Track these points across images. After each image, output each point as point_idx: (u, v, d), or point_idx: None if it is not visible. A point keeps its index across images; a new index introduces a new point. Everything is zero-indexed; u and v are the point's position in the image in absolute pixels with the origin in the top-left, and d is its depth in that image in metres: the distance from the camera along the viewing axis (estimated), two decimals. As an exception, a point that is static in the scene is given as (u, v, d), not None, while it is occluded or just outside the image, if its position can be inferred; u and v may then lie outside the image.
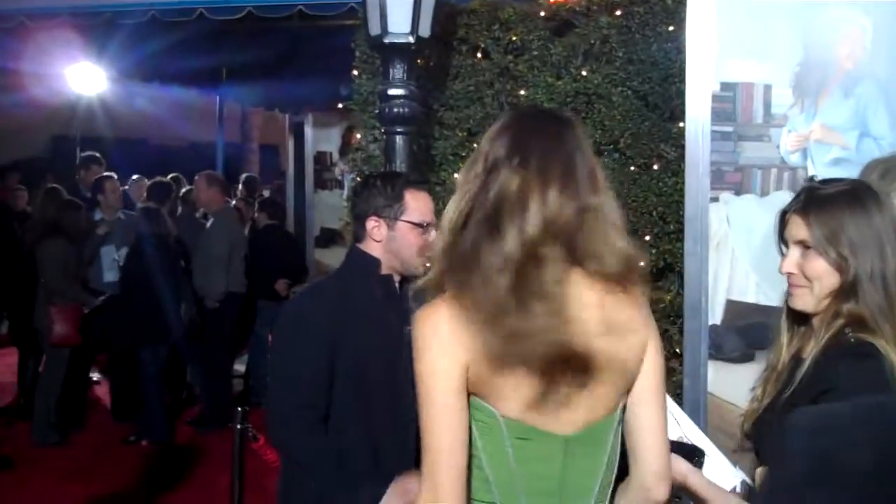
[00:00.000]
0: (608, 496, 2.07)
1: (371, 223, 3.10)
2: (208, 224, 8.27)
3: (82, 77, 12.16)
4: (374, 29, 4.10)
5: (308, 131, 10.26)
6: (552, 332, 1.84)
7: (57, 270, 7.35)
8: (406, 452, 2.94)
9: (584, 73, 4.61)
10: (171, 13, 6.25)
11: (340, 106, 5.22)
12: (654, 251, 4.46)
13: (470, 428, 1.95)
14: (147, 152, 10.31)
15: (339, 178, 10.13)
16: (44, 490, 6.37)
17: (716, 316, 3.99)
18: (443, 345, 1.91)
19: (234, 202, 9.70)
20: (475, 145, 4.72)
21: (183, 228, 8.17)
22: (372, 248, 3.12)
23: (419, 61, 4.35)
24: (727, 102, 3.96)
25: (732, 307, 3.98)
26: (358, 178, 4.98)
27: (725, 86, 3.96)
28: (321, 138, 10.23)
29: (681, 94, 4.33)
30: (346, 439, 2.99)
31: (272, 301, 8.52)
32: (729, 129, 3.96)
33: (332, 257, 10.07)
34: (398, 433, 3.00)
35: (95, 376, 8.78)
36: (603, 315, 1.92)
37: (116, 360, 8.17)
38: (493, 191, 1.93)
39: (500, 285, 1.85)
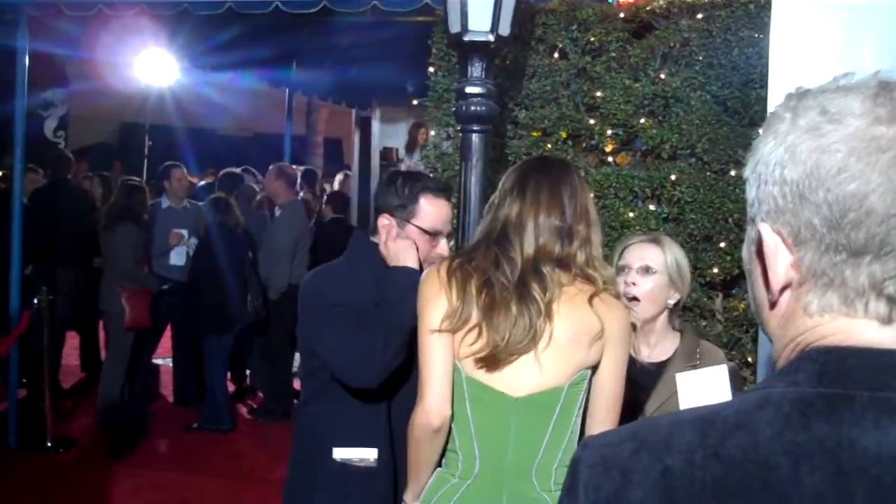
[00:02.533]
0: (558, 461, 2.49)
1: (383, 221, 3.12)
2: (276, 215, 8.33)
3: (154, 66, 12.31)
4: (454, 27, 4.09)
5: (375, 126, 10.30)
6: (525, 320, 2.44)
7: (129, 255, 7.45)
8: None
9: (662, 75, 4.57)
10: (248, 5, 6.27)
11: (415, 102, 5.21)
12: (728, 258, 4.40)
13: None
14: (215, 142, 10.37)
15: (405, 173, 10.16)
16: (106, 472, 6.46)
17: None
18: (431, 297, 2.55)
19: (301, 194, 9.76)
20: (549, 146, 4.72)
21: (248, 220, 8.25)
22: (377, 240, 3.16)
23: (496, 60, 4.34)
24: (810, 110, 3.89)
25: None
26: (430, 175, 4.99)
27: (808, 93, 3.89)
28: (388, 133, 10.27)
29: (760, 101, 4.27)
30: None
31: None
32: (811, 136, 3.89)
33: (396, 252, 10.07)
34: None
35: (158, 361, 8.88)
36: (570, 309, 2.49)
37: (180, 346, 8.27)
38: (501, 215, 2.58)
39: (509, 279, 2.48)
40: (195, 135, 12.83)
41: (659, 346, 3.16)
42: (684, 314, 4.53)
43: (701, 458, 0.94)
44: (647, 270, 3.12)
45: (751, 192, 1.05)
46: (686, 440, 0.96)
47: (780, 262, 1.00)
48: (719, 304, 4.57)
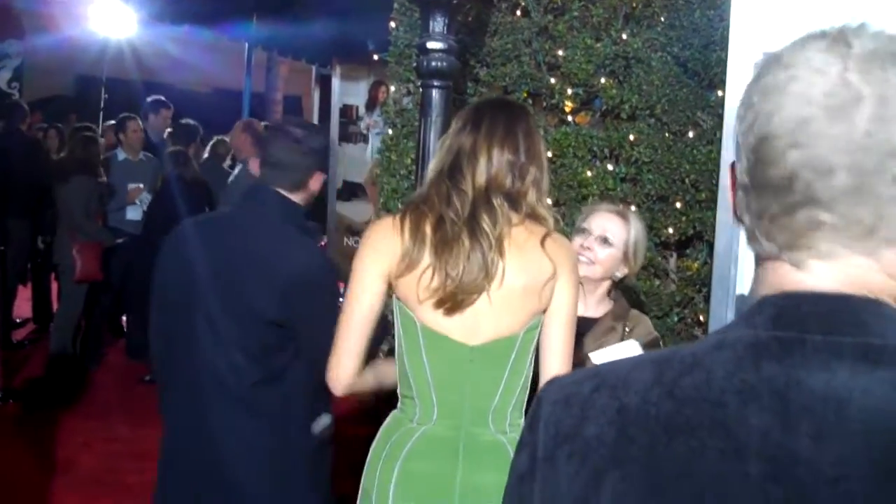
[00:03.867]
0: (512, 405, 2.55)
1: (318, 179, 3.23)
2: (236, 171, 8.28)
3: (112, 18, 12.13)
4: (417, -20, 4.07)
5: (335, 83, 10.19)
6: (478, 254, 2.43)
7: (81, 207, 7.38)
8: None
9: (624, 36, 4.57)
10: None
11: (376, 58, 5.18)
12: (683, 218, 4.44)
13: (399, 331, 2.57)
14: (173, 97, 10.23)
15: (365, 132, 10.09)
16: (56, 425, 6.42)
17: (744, 286, 3.97)
18: (377, 245, 2.54)
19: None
20: (510, 103, 4.71)
21: (208, 174, 8.19)
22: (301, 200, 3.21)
23: (458, 16, 4.31)
24: (769, 72, 3.91)
25: (761, 279, 3.96)
26: (389, 132, 4.97)
27: (768, 55, 3.91)
28: (348, 91, 10.16)
29: (721, 62, 4.28)
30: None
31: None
32: (769, 99, 3.92)
33: (353, 211, 10.07)
34: None
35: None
36: (522, 254, 2.48)
37: (133, 300, 8.22)
38: (455, 147, 2.55)
39: (460, 214, 2.46)
40: (153, 89, 12.62)
41: (594, 307, 3.27)
42: (639, 273, 4.58)
43: (656, 395, 0.97)
44: (604, 241, 3.20)
45: None
46: (643, 379, 1.00)
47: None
48: (673, 264, 4.62)
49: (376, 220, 2.71)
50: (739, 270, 3.96)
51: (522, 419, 2.57)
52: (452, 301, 2.47)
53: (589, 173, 4.52)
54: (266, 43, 11.80)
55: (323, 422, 3.09)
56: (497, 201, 2.48)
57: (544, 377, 2.57)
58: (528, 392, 2.59)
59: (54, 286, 8.66)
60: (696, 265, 4.49)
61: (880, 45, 0.96)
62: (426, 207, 2.52)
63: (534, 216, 2.53)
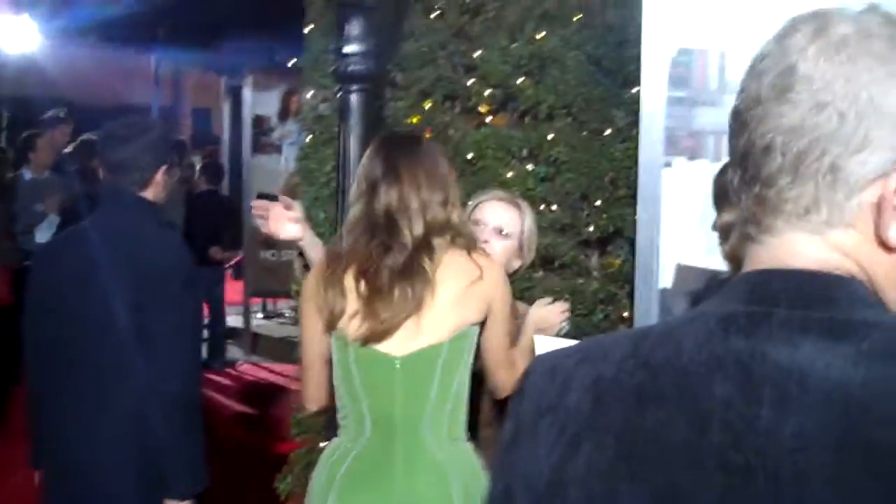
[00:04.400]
0: (447, 410, 2.62)
1: (162, 175, 3.29)
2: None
3: (10, 32, 11.82)
4: (331, -16, 4.04)
5: (247, 94, 10.12)
6: (411, 298, 2.57)
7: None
8: None
9: (538, 36, 4.59)
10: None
11: (290, 64, 5.14)
12: (604, 216, 4.48)
13: (334, 356, 2.67)
14: (78, 113, 10.04)
15: (278, 142, 10.02)
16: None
17: (667, 281, 4.02)
18: (307, 298, 2.71)
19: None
20: (426, 106, 4.71)
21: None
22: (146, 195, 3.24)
23: (375, 19, 4.29)
24: (683, 68, 3.98)
25: (682, 272, 4.02)
26: (307, 139, 4.92)
27: (682, 52, 3.97)
28: (260, 102, 10.10)
29: (634, 60, 4.33)
30: None
31: (207, 267, 8.41)
32: (683, 94, 3.98)
33: (269, 223, 9.94)
34: None
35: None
36: (448, 270, 2.61)
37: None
38: (380, 204, 2.63)
39: (399, 264, 2.58)
40: (57, 105, 12.36)
41: None
42: (561, 272, 4.61)
43: (631, 366, 0.99)
44: (500, 232, 3.14)
45: None
46: (621, 351, 1.02)
47: None
48: (595, 262, 4.65)
49: (310, 273, 2.84)
50: (661, 265, 4.01)
51: (463, 432, 2.67)
52: (379, 336, 2.59)
53: (509, 174, 4.53)
54: (173, 56, 11.65)
55: None
56: (437, 241, 2.62)
57: (488, 379, 2.80)
58: (466, 404, 2.68)
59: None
60: (618, 262, 4.53)
61: (858, 29, 0.98)
62: (348, 260, 2.65)
63: (460, 235, 2.70)
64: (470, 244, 2.69)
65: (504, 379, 2.75)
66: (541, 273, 4.61)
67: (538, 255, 4.47)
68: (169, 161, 3.32)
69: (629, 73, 4.44)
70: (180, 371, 3.09)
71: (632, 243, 4.43)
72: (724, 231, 2.43)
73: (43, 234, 7.79)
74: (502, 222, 3.14)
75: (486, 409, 2.98)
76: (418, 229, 2.60)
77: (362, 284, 2.60)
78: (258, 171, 10.11)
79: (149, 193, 3.21)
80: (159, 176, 3.22)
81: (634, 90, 4.38)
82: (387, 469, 2.57)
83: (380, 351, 2.59)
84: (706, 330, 0.97)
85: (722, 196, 2.45)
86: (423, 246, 2.59)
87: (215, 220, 8.76)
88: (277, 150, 10.04)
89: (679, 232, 4.00)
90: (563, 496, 0.99)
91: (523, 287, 4.00)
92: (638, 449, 0.96)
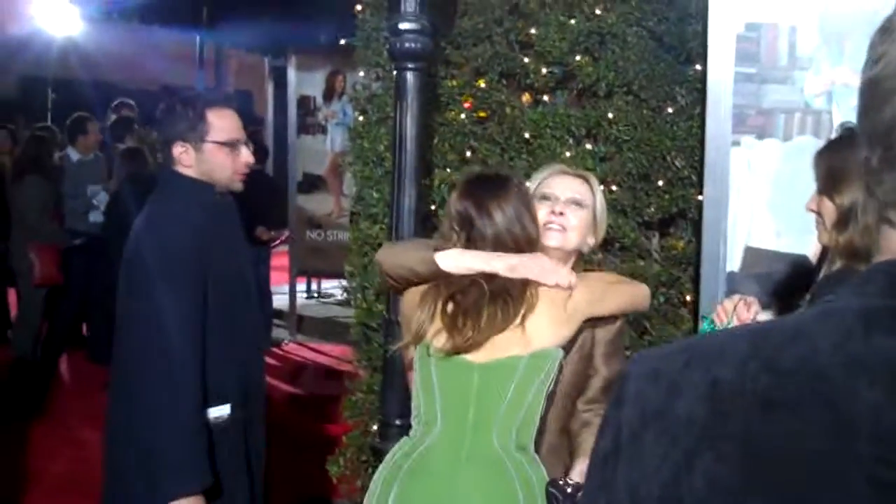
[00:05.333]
0: (518, 421, 2.59)
1: (178, 149, 3.05)
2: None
3: (55, 16, 11.85)
4: (386, -40, 3.95)
5: (291, 74, 10.04)
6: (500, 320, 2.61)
7: (35, 208, 7.18)
8: (258, 372, 3.28)
9: (597, 11, 4.46)
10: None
11: (342, 42, 5.04)
12: (666, 197, 4.35)
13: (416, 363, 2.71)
14: (121, 95, 10.05)
15: (323, 123, 9.95)
16: (23, 434, 6.24)
17: (733, 263, 3.91)
18: (404, 313, 2.87)
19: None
20: (482, 84, 4.60)
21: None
22: (187, 172, 3.08)
23: (428, -4, 4.20)
24: (751, 43, 3.85)
25: (751, 254, 3.90)
26: (360, 118, 4.84)
27: (750, 26, 3.85)
28: (304, 82, 10.02)
29: (697, 36, 4.21)
30: (217, 371, 3.00)
31: (253, 246, 8.39)
32: (752, 70, 3.86)
33: (314, 203, 9.96)
34: (254, 357, 3.26)
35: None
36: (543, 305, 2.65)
37: (95, 303, 8.02)
38: (489, 234, 2.70)
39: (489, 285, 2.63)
40: (101, 88, 12.39)
41: None
42: (621, 254, 4.49)
43: (753, 369, 0.88)
44: (576, 203, 2.86)
45: None
46: (739, 352, 0.90)
47: None
48: (656, 244, 4.53)
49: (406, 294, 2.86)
50: (729, 248, 3.90)
51: (530, 445, 2.66)
52: (467, 350, 2.63)
53: (568, 154, 4.41)
54: (217, 37, 11.62)
55: (210, 413, 3.01)
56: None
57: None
58: (536, 422, 2.66)
59: (12, 292, 8.43)
60: (680, 244, 4.40)
61: None
62: (445, 284, 2.69)
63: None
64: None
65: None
66: (600, 255, 4.49)
67: (598, 237, 4.39)
68: (182, 132, 3.06)
69: (691, 49, 4.32)
70: (142, 368, 2.91)
71: (694, 224, 4.31)
72: (841, 216, 2.28)
73: (98, 215, 7.80)
74: (576, 193, 2.89)
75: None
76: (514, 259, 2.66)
77: (450, 305, 2.64)
78: (303, 151, 10.05)
79: (186, 171, 3.08)
80: (175, 151, 3.06)
81: (697, 66, 4.26)
82: (453, 461, 2.56)
83: (461, 357, 2.62)
84: (842, 327, 0.86)
85: (835, 176, 2.29)
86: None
87: (261, 200, 8.69)
88: (322, 130, 9.96)
89: (746, 213, 3.88)
90: None
91: (583, 270, 3.89)
92: (767, 462, 0.85)
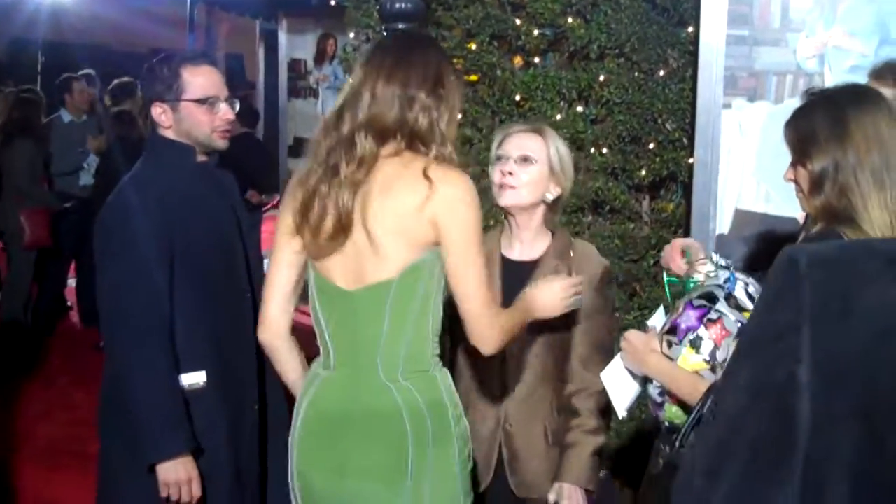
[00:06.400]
0: (403, 354, 2.39)
1: (157, 110, 3.00)
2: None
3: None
4: (377, -82, 3.91)
5: (282, 38, 9.99)
6: (339, 200, 2.30)
7: (25, 171, 7.15)
8: (245, 340, 3.01)
9: (590, -28, 4.44)
10: None
11: (332, 3, 5.01)
12: (657, 159, 4.35)
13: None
14: (112, 58, 9.99)
15: (314, 86, 9.91)
16: (14, 395, 6.24)
17: (723, 226, 3.91)
18: (286, 201, 2.47)
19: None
20: (472, 47, 4.58)
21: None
22: (167, 134, 3.03)
23: (420, -45, 4.16)
24: (743, 5, 3.83)
25: (740, 217, 3.90)
26: (350, 80, 4.81)
27: (742, -12, 3.83)
28: (295, 45, 9.97)
29: (690, -2, 4.20)
30: (190, 338, 2.96)
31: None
32: (744, 33, 3.84)
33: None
34: (239, 325, 3.07)
35: (72, 282, 8.60)
36: (388, 192, 2.30)
37: (85, 265, 8.00)
38: (346, 88, 2.41)
39: (326, 156, 2.33)
40: (91, 50, 12.29)
41: (531, 245, 2.97)
42: (611, 216, 4.50)
43: None
44: (525, 160, 2.88)
45: None
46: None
47: None
48: (647, 206, 4.54)
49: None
50: (719, 210, 3.90)
51: (425, 368, 2.44)
52: (317, 251, 2.40)
53: (559, 116, 4.40)
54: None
55: (185, 380, 2.97)
56: (360, 138, 2.30)
57: (464, 322, 2.40)
58: (428, 340, 2.44)
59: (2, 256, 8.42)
60: (670, 206, 4.41)
61: None
62: (312, 160, 2.42)
63: (424, 143, 2.35)
64: (430, 152, 2.34)
65: (481, 334, 2.40)
66: (590, 217, 4.50)
67: (588, 199, 4.39)
68: (159, 93, 2.99)
69: (684, 12, 4.30)
70: (111, 333, 2.95)
71: (685, 187, 4.31)
72: (814, 180, 2.25)
73: (87, 177, 7.77)
74: (525, 150, 2.89)
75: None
76: (360, 119, 2.30)
77: (304, 187, 2.39)
78: (294, 115, 10.02)
79: (167, 133, 3.03)
80: (154, 112, 3.01)
81: (690, 29, 4.24)
82: (348, 401, 2.44)
83: (335, 285, 2.41)
84: None
85: (805, 143, 2.26)
86: (347, 144, 2.31)
87: (252, 163, 8.64)
88: (314, 93, 9.92)
89: (737, 176, 3.88)
90: None
91: (573, 232, 3.89)
92: None
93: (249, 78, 14.44)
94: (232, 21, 14.69)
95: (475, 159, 4.13)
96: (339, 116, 2.36)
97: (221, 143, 3.08)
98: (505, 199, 2.88)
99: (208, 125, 3.01)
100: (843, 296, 0.99)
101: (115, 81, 8.61)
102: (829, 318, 0.99)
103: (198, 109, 2.99)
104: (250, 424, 3.15)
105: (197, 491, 2.89)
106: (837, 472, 0.95)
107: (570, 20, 4.44)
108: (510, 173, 2.87)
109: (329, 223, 2.34)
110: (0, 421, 5.82)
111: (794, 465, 0.98)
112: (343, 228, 2.33)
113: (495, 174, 2.90)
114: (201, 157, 3.09)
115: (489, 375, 2.91)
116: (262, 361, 2.99)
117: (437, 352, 2.48)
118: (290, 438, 2.52)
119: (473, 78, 4.57)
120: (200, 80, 3.01)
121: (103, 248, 2.95)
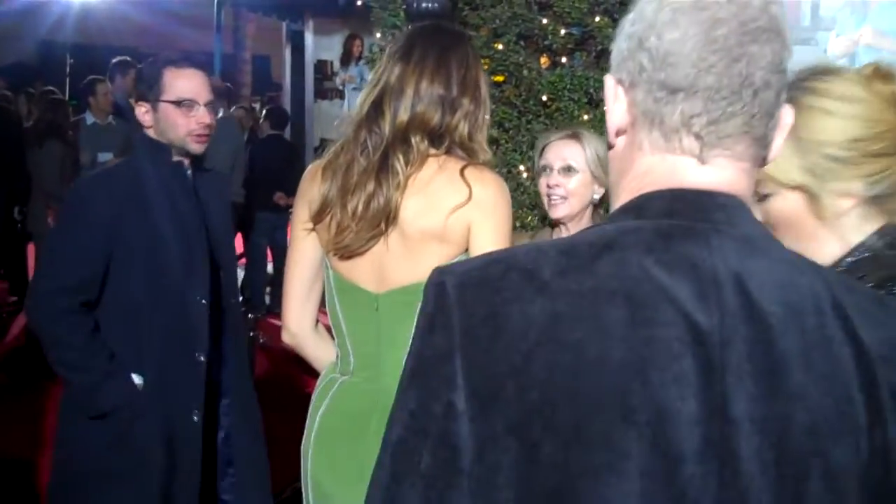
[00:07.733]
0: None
1: (140, 109, 3.07)
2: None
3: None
4: (402, -81, 3.91)
5: (308, 39, 10.01)
6: (393, 198, 2.23)
7: (54, 172, 7.19)
8: (188, 345, 3.08)
9: (617, -28, 4.42)
10: None
11: (360, 2, 5.01)
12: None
13: (326, 282, 2.43)
14: (139, 61, 10.02)
15: (341, 87, 9.93)
16: (42, 394, 6.28)
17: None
18: (303, 191, 2.37)
19: (232, 110, 9.51)
20: (499, 46, 4.57)
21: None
22: (149, 133, 3.09)
23: (447, -45, 4.16)
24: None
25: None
26: (382, 72, 4.81)
27: (772, -14, 3.79)
28: (322, 47, 9.99)
29: (718, -3, 4.16)
30: (133, 328, 3.03)
31: (271, 212, 8.40)
32: (774, 31, 3.81)
33: (332, 169, 9.93)
34: (185, 328, 3.09)
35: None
36: (426, 193, 2.25)
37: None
38: (382, 80, 2.28)
39: (371, 158, 2.25)
40: (118, 53, 12.36)
41: None
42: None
43: (573, 274, 1.04)
44: (568, 170, 3.05)
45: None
46: (554, 262, 1.06)
47: (617, 105, 1.15)
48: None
49: (308, 168, 2.48)
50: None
51: None
52: (342, 249, 2.32)
53: (586, 117, 4.39)
54: (234, 1, 11.58)
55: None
56: (416, 139, 2.25)
57: None
58: None
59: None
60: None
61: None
62: (345, 150, 2.33)
63: (464, 149, 2.31)
64: (476, 158, 2.31)
65: None
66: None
67: (614, 201, 4.37)
68: (143, 93, 3.07)
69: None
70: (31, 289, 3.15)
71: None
72: None
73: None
74: (566, 160, 3.05)
75: None
76: (403, 117, 2.24)
77: (344, 179, 2.30)
78: (321, 116, 10.04)
79: (151, 132, 3.09)
80: (138, 112, 3.08)
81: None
82: (366, 410, 2.37)
83: (359, 287, 2.34)
84: (646, 239, 1.07)
85: None
86: (400, 141, 2.25)
87: (279, 165, 8.68)
88: (340, 95, 9.94)
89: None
90: None
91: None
92: (607, 348, 1.03)
93: (276, 79, 14.51)
94: (258, 22, 14.80)
95: (502, 160, 4.12)
96: (379, 110, 2.28)
97: (196, 147, 3.09)
98: (558, 213, 3.07)
99: (184, 128, 3.03)
100: (491, 316, 1.03)
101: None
102: (479, 342, 1.03)
103: (175, 111, 3.03)
104: (191, 432, 3.13)
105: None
106: (505, 490, 1.00)
107: (597, 19, 4.43)
108: (556, 185, 3.05)
109: (372, 219, 2.26)
110: (31, 421, 5.85)
111: (463, 489, 1.03)
112: (386, 227, 2.27)
113: (542, 186, 3.09)
114: (177, 158, 3.10)
115: None
116: (218, 367, 3.17)
117: None
118: (303, 445, 2.48)
119: (500, 78, 4.57)
120: (180, 82, 3.05)
121: (59, 215, 3.12)
